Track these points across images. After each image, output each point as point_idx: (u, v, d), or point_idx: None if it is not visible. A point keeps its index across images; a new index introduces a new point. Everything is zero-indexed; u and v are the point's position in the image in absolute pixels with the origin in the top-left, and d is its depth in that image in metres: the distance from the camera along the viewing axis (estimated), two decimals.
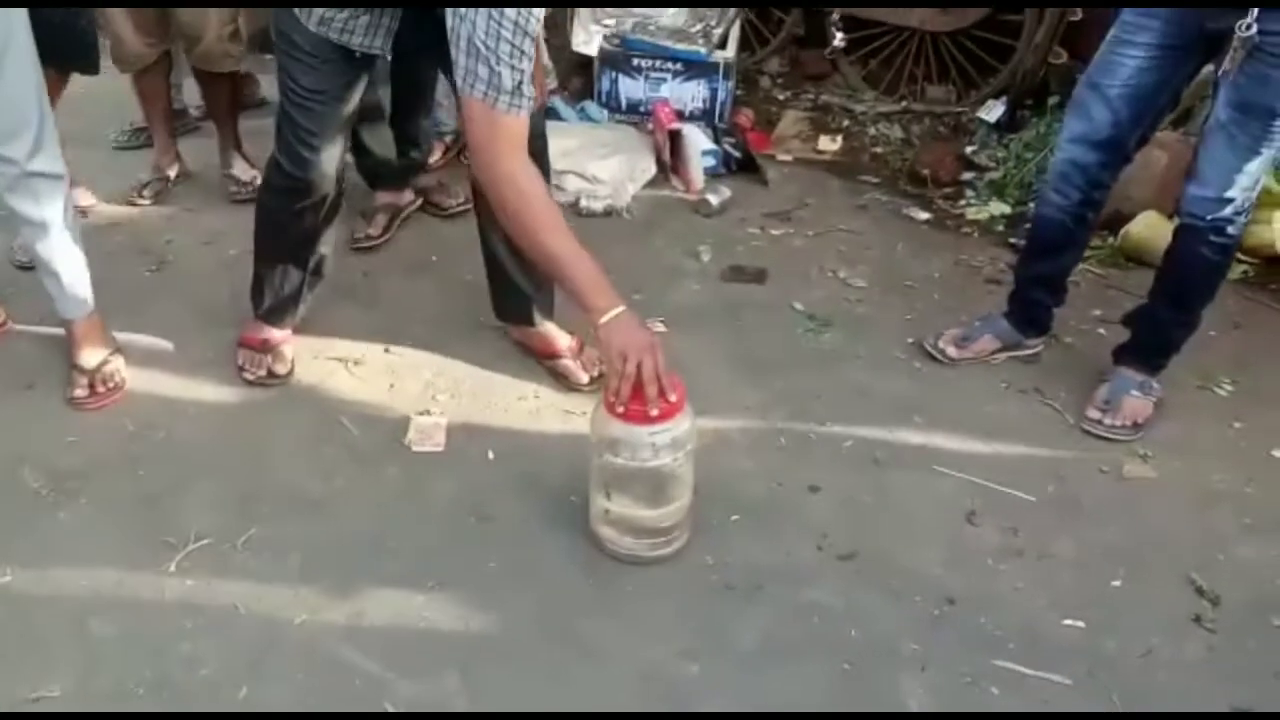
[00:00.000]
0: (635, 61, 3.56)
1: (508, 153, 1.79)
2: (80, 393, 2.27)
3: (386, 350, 2.48)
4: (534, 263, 1.96)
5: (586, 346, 2.38)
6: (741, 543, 1.99)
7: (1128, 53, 2.13)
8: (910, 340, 2.57)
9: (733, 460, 2.19)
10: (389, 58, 2.10)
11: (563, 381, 2.38)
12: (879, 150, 3.62)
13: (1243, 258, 2.81)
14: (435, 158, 3.23)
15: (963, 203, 3.26)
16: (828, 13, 3.79)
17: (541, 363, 2.42)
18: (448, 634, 1.81)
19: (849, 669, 1.76)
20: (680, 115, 3.48)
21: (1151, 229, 2.86)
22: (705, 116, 3.57)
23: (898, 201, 3.27)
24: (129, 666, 1.73)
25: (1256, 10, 1.89)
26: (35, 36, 2.07)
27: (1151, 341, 2.35)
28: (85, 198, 2.92)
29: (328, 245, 2.38)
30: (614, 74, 3.59)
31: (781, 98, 3.95)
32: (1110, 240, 2.96)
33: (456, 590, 1.88)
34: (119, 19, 2.82)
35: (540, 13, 1.74)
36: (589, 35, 3.67)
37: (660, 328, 2.52)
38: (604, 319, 1.80)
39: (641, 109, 3.59)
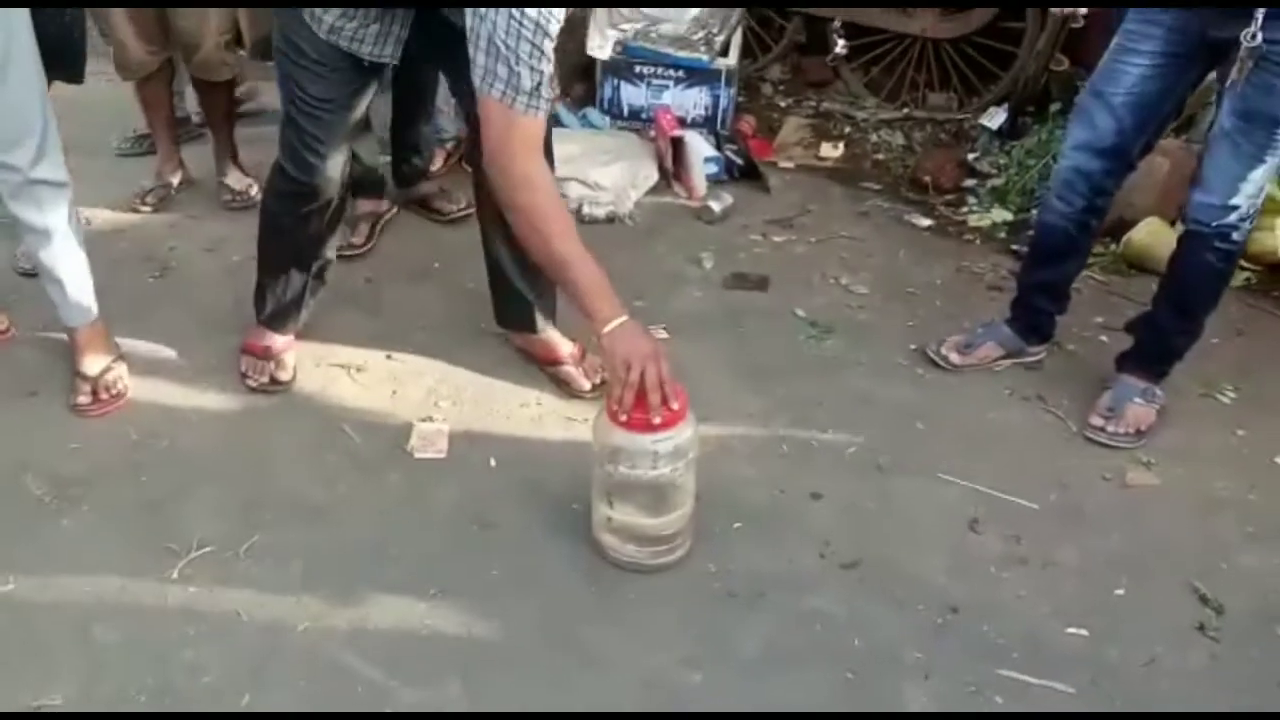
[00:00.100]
0: (637, 68, 3.56)
1: (524, 154, 1.78)
2: (83, 400, 2.27)
3: (389, 357, 2.48)
4: (540, 267, 1.96)
5: (588, 353, 2.37)
6: (744, 550, 1.99)
7: (1131, 60, 2.13)
8: (912, 347, 2.56)
9: (735, 467, 2.18)
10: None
11: (565, 388, 2.37)
12: (881, 157, 3.62)
13: (1246, 265, 2.80)
14: (436, 164, 3.23)
15: (965, 209, 3.25)
16: (829, 20, 3.80)
17: (543, 369, 2.42)
18: (450, 641, 1.80)
19: (852, 677, 1.76)
20: (682, 122, 3.48)
21: (1154, 236, 2.86)
22: (707, 123, 3.57)
23: (900, 208, 3.27)
24: (131, 673, 1.73)
25: (1261, 19, 1.89)
26: None
27: (1154, 348, 2.34)
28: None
29: (331, 250, 2.39)
30: (616, 81, 3.59)
31: (783, 105, 3.96)
32: (1113, 247, 2.95)
33: (458, 597, 1.88)
34: (121, 27, 2.83)
35: (561, 14, 1.72)
36: (604, 39, 3.66)
37: (662, 334, 2.52)
38: (608, 327, 1.80)
39: (644, 116, 3.59)
